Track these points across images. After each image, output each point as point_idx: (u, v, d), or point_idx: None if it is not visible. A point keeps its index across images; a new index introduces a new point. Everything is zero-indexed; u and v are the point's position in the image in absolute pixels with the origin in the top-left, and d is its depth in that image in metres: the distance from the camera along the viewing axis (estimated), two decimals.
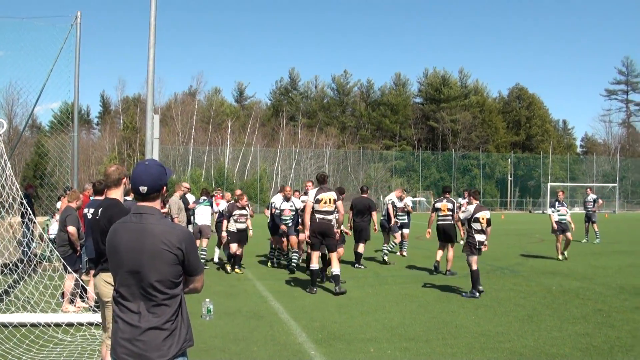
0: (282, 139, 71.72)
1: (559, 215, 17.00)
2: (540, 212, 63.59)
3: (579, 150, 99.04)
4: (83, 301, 9.62)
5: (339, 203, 11.74)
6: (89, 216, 8.66)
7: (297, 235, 14.71)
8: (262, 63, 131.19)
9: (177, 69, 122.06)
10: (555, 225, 16.98)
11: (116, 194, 5.65)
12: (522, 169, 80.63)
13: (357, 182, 67.22)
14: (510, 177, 73.79)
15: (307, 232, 11.79)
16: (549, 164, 77.84)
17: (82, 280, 9.66)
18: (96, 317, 7.84)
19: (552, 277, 13.47)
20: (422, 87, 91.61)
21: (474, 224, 11.12)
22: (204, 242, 14.98)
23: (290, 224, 14.70)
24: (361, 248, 15.27)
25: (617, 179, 74.73)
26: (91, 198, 9.78)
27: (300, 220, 14.45)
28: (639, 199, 79.22)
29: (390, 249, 16.44)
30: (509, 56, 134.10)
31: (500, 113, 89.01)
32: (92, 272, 8.76)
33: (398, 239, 16.59)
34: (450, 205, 14.44)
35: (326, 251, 12.16)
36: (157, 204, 3.52)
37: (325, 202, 11.53)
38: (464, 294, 11.10)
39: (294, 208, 14.70)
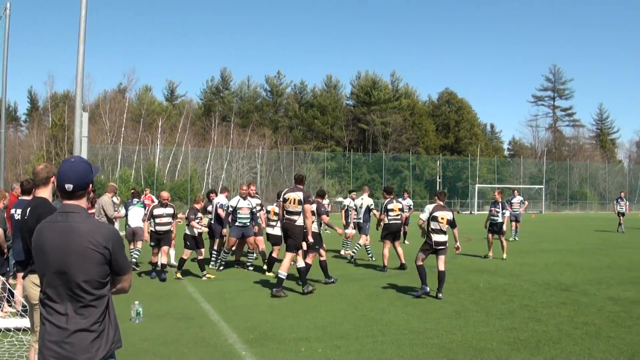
0: (214, 139, 71.04)
1: (491, 215, 17.53)
2: (468, 212, 64.97)
3: (506, 153, 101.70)
4: (10, 306, 9.32)
5: (306, 206, 11.29)
6: (17, 217, 8.40)
7: (255, 235, 14.72)
8: (194, 62, 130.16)
9: (105, 65, 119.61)
10: (486, 224, 17.59)
11: (44, 192, 5.50)
12: (450, 170, 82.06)
13: (289, 183, 67.12)
14: (440, 178, 74.98)
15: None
16: (476, 166, 79.48)
17: (8, 284, 9.34)
18: (24, 322, 7.58)
19: (479, 274, 13.76)
20: (354, 89, 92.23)
21: (432, 222, 10.94)
22: (139, 244, 14.74)
23: (247, 224, 14.49)
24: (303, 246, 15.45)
25: (544, 180, 76.99)
26: (19, 198, 9.48)
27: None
28: (564, 200, 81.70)
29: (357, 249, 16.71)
30: (439, 61, 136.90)
31: (430, 116, 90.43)
32: (20, 275, 8.49)
33: (364, 242, 16.66)
34: (400, 206, 14.83)
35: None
36: (83, 202, 3.44)
37: (290, 202, 11.36)
38: (415, 293, 10.98)
39: (251, 206, 14.56)
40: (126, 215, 15.08)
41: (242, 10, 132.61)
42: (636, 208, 68.59)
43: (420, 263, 10.90)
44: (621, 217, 30.71)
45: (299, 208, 11.28)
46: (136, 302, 8.81)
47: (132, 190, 16.36)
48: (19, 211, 8.53)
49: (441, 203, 11.28)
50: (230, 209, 14.48)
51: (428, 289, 10.76)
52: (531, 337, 7.82)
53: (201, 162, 67.66)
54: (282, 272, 11.11)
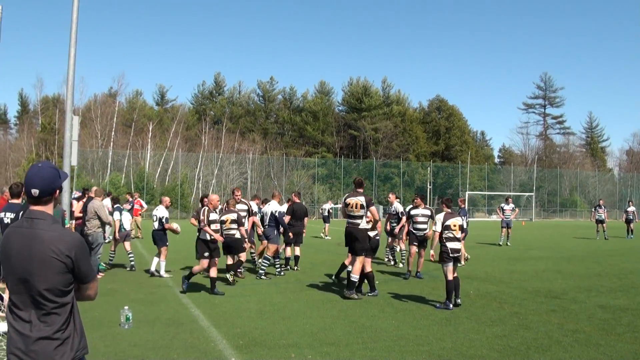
0: (205, 144, 70.93)
1: None
2: None
3: (496, 160, 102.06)
4: (0, 310, 9.22)
5: (372, 208, 11.51)
6: (6, 220, 8.35)
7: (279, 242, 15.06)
8: (184, 66, 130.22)
9: (96, 68, 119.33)
10: None
11: None
12: (441, 177, 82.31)
13: (280, 189, 67.11)
14: (430, 185, 75.14)
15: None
16: (467, 174, 79.66)
17: None
18: None
19: (469, 281, 13.74)
20: (345, 96, 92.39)
21: (445, 232, 10.70)
22: (127, 245, 15.14)
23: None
24: (298, 251, 15.81)
25: (534, 188, 77.20)
26: (9, 201, 9.41)
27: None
28: (554, 207, 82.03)
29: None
30: (430, 68, 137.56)
31: (421, 123, 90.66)
32: None
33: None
34: (428, 212, 14.82)
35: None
36: (49, 208, 3.40)
37: (352, 207, 11.54)
38: (437, 305, 10.67)
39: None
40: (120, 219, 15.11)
41: (234, 15, 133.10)
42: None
43: (451, 278, 10.54)
44: (599, 225, 30.85)
45: (361, 212, 11.47)
46: (125, 307, 8.77)
47: (127, 194, 16.41)
48: (8, 215, 8.48)
49: (449, 210, 11.07)
50: (278, 214, 14.75)
51: (452, 306, 10.43)
52: (521, 345, 7.82)
53: (192, 167, 67.56)
54: (354, 276, 11.37)
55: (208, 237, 12.14)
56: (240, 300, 11.20)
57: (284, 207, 15.59)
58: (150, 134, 67.68)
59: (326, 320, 9.35)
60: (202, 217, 12.19)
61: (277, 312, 9.99)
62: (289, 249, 15.70)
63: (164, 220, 14.06)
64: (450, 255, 10.61)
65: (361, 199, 11.52)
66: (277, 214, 14.65)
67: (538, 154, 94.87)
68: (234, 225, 12.99)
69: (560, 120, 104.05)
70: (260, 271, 14.20)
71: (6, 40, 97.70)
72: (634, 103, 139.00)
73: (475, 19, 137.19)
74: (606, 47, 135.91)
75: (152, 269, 14.32)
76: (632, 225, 31.81)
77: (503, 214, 25.51)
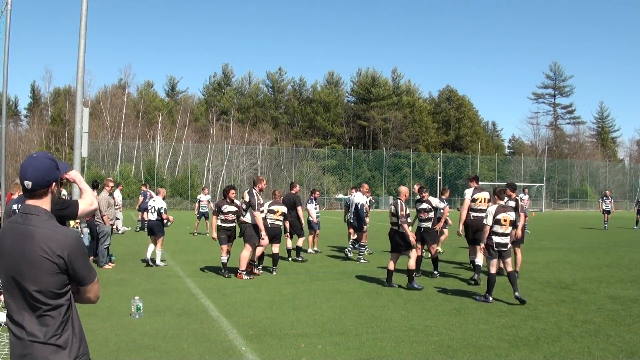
0: (213, 135, 70.99)
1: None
2: None
3: (506, 151, 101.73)
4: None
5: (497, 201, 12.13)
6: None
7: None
8: (196, 58, 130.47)
9: (107, 60, 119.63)
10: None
11: None
12: (451, 168, 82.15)
13: (289, 180, 67.12)
14: (440, 176, 74.99)
15: (461, 227, 13.04)
16: (477, 164, 79.49)
17: None
18: None
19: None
20: (354, 86, 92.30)
21: (494, 225, 10.30)
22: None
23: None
24: (301, 242, 16.03)
25: (544, 178, 76.94)
26: (20, 193, 9.48)
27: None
28: (565, 197, 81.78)
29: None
30: (440, 58, 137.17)
31: (431, 114, 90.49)
32: None
33: None
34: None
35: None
36: (44, 202, 3.13)
37: (480, 202, 12.49)
38: (477, 297, 10.51)
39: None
40: (146, 209, 15.27)
41: (244, 6, 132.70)
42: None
43: (494, 272, 10.28)
44: (606, 215, 31.10)
45: (487, 206, 12.13)
46: (136, 297, 8.83)
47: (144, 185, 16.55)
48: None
49: (502, 203, 10.59)
50: (360, 205, 15.76)
51: (491, 299, 10.20)
52: (531, 335, 7.83)
53: (201, 158, 67.69)
54: (479, 261, 12.30)
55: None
56: (250, 290, 11.25)
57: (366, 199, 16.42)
58: (159, 125, 67.84)
59: (336, 311, 9.38)
60: (401, 213, 11.63)
61: (287, 303, 10.03)
62: (289, 240, 15.78)
63: (162, 211, 14.45)
64: (495, 249, 10.25)
65: (487, 194, 12.52)
66: (359, 206, 15.71)
67: (548, 144, 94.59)
68: (282, 218, 13.59)
69: (570, 110, 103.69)
70: (360, 256, 15.59)
71: (16, 32, 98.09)
72: None
73: (484, 8, 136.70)
74: (617, 36, 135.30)
75: (148, 256, 14.48)
76: None
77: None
